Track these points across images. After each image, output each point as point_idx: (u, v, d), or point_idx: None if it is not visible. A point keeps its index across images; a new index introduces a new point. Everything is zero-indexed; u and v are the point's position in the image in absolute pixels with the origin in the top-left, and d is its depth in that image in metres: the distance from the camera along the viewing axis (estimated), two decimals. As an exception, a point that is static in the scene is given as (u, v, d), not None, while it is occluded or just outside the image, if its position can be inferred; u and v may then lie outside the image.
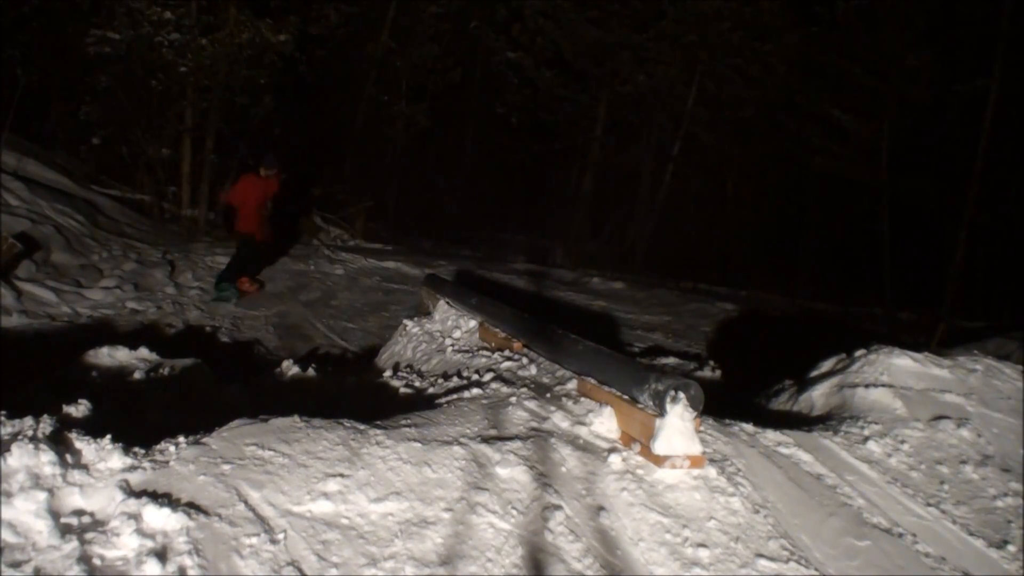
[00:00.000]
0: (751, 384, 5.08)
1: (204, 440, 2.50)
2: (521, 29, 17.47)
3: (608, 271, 14.22)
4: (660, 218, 17.60)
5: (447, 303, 5.59)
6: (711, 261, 17.23)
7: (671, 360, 6.53)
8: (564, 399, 3.27)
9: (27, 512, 1.97)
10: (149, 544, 1.95)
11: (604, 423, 3.03)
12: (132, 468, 2.28)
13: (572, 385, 3.45)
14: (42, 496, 2.03)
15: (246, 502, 2.21)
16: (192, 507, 2.12)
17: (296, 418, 2.71)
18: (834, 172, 15.80)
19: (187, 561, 1.94)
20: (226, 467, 2.34)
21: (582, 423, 3.04)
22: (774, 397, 4.48)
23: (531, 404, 3.16)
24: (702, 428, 2.90)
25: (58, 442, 2.29)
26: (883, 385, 3.84)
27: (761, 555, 2.45)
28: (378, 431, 2.72)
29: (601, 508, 2.53)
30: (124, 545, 1.95)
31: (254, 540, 2.08)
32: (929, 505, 3.03)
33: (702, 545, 2.44)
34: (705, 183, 18.51)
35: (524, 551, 2.27)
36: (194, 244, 10.70)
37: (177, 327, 7.25)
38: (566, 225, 18.20)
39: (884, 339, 4.33)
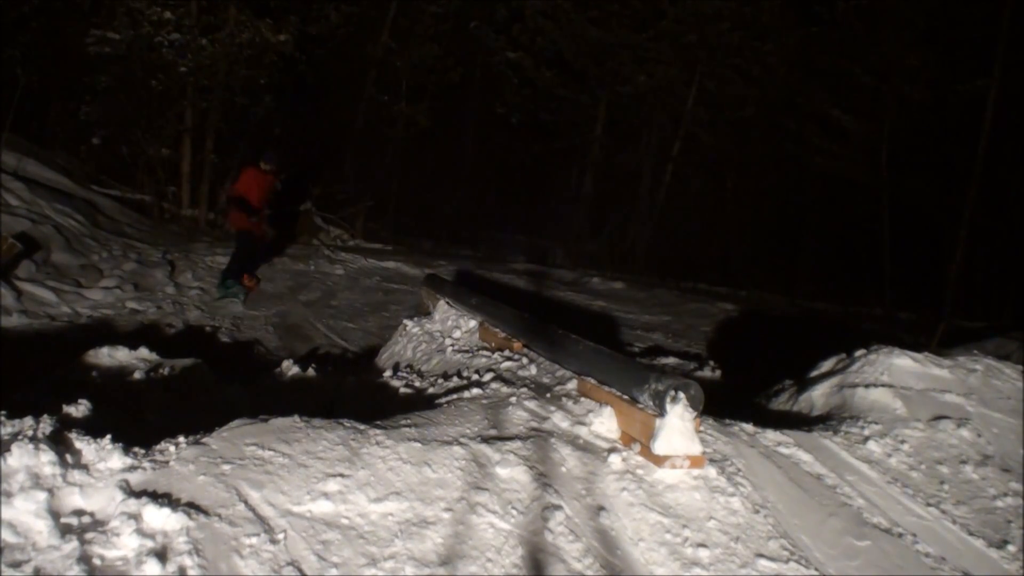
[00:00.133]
0: (751, 384, 5.08)
1: (204, 440, 2.50)
2: (521, 29, 17.48)
3: (608, 271, 14.22)
4: (660, 218, 17.60)
5: (447, 303, 5.59)
6: (711, 261, 17.25)
7: (671, 360, 6.53)
8: (564, 399, 3.27)
9: (27, 512, 1.97)
10: (149, 544, 1.95)
11: (604, 423, 3.03)
12: (132, 468, 2.28)
13: (572, 385, 3.45)
14: (42, 496, 2.03)
15: (246, 502, 2.21)
16: (192, 507, 2.12)
17: (296, 418, 2.71)
18: (834, 172, 15.80)
19: (187, 561, 1.94)
20: (226, 467, 2.34)
21: (582, 423, 3.04)
22: (774, 397, 4.48)
23: (531, 404, 3.16)
24: (702, 428, 2.90)
25: (58, 442, 2.29)
26: (883, 385, 3.84)
27: (761, 555, 2.45)
28: (378, 431, 2.72)
29: (601, 508, 2.53)
30: (124, 545, 1.95)
31: (254, 540, 2.08)
32: (929, 505, 3.03)
33: (702, 545, 2.44)
34: (705, 183, 18.50)
35: (524, 551, 2.27)
36: (194, 244, 10.70)
37: (177, 327, 7.25)
38: (566, 225, 18.20)
39: (884, 339, 4.33)
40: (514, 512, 2.42)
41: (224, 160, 13.41)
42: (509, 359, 4.06)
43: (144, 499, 2.08)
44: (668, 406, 2.73)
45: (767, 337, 8.69)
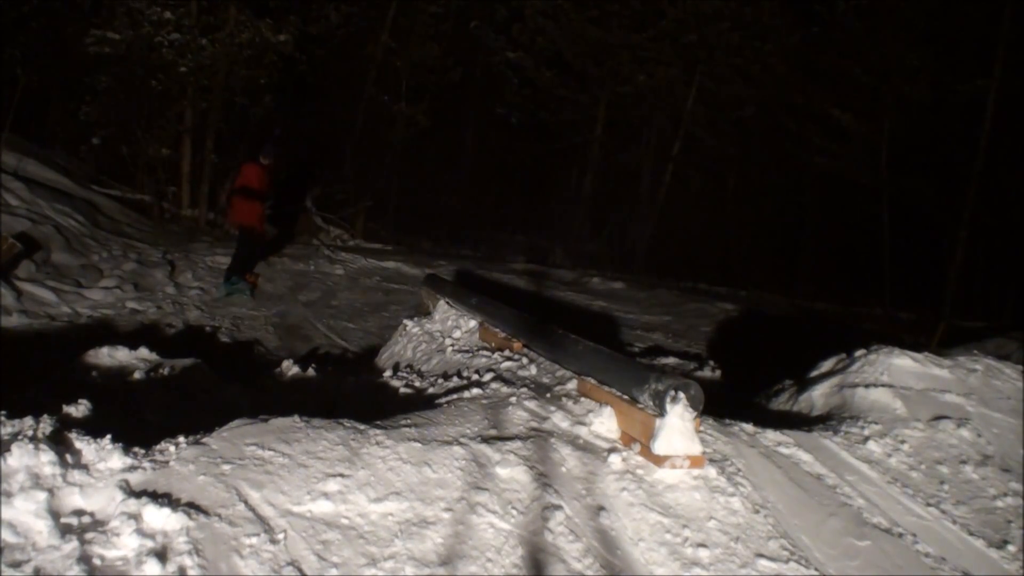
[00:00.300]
0: (751, 384, 5.08)
1: (204, 440, 2.50)
2: (521, 29, 17.48)
3: (608, 271, 14.22)
4: (660, 218, 17.60)
5: (447, 303, 5.59)
6: (711, 261, 17.25)
7: (671, 360, 6.53)
8: (564, 399, 3.27)
9: (27, 512, 1.97)
10: (149, 544, 1.95)
11: (604, 423, 3.03)
12: (132, 468, 2.28)
13: (572, 385, 3.45)
14: (42, 496, 2.03)
15: (246, 502, 2.21)
16: (192, 507, 2.12)
17: (296, 418, 2.71)
18: (834, 172, 15.80)
19: (187, 561, 1.94)
20: (226, 467, 2.34)
21: (582, 423, 3.04)
22: (774, 397, 4.48)
23: (531, 404, 3.16)
24: (702, 428, 2.90)
25: (58, 442, 2.29)
26: (883, 385, 3.84)
27: (761, 555, 2.45)
28: (378, 431, 2.72)
29: (601, 508, 2.53)
30: (124, 545, 1.95)
31: (254, 540, 2.08)
32: (929, 505, 3.03)
33: (702, 545, 2.44)
34: (705, 183, 18.50)
35: (524, 551, 2.27)
36: (194, 244, 10.70)
37: (177, 327, 7.25)
38: (566, 225, 18.20)
39: (884, 339, 4.33)
40: (514, 512, 2.42)
41: (224, 160, 13.40)
42: (509, 359, 4.06)
43: (144, 499, 2.08)
44: (668, 406, 2.73)
45: (767, 337, 8.69)
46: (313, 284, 9.76)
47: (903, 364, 3.99)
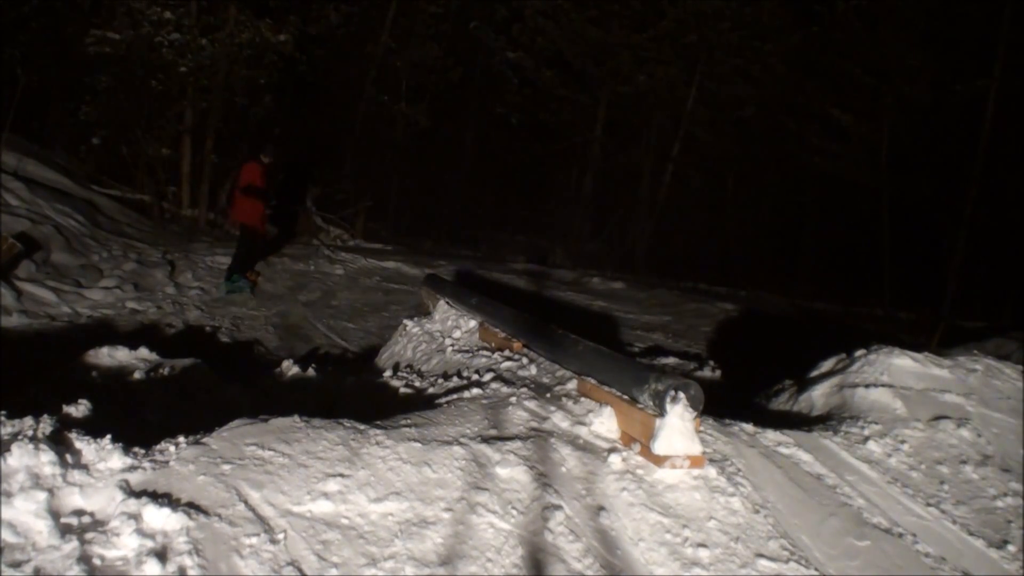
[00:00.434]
0: (751, 384, 5.08)
1: (204, 440, 2.50)
2: (521, 29, 17.48)
3: (608, 271, 14.22)
4: (660, 218, 17.60)
5: (447, 303, 5.59)
6: (711, 261, 17.25)
7: (671, 360, 6.53)
8: (564, 399, 3.27)
9: (27, 512, 1.97)
10: (149, 544, 1.95)
11: (604, 423, 3.03)
12: (132, 468, 2.28)
13: (572, 385, 3.45)
14: (42, 496, 2.03)
15: (246, 502, 2.21)
16: (192, 507, 2.12)
17: (296, 418, 2.71)
18: (834, 172, 15.80)
19: (187, 561, 1.94)
20: (226, 467, 2.34)
21: (582, 423, 3.04)
22: (774, 397, 4.48)
23: (531, 404, 3.16)
24: (702, 428, 2.90)
25: (58, 442, 2.29)
26: (883, 385, 3.83)
27: (761, 555, 2.45)
28: (378, 431, 2.72)
29: (601, 508, 2.53)
30: (124, 545, 1.95)
31: (254, 540, 2.08)
32: (929, 505, 3.03)
33: (702, 545, 2.44)
34: (705, 183, 18.51)
35: (524, 551, 2.27)
36: (194, 244, 10.71)
37: (177, 327, 7.25)
38: (566, 225, 18.20)
39: (884, 339, 4.33)
40: (514, 512, 2.42)
41: (224, 160, 13.40)
42: (509, 359, 4.06)
43: (144, 499, 2.08)
44: (668, 406, 2.73)
45: (767, 337, 8.68)
46: (313, 284, 9.76)
47: (903, 364, 3.99)
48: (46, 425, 2.43)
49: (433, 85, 17.38)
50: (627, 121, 18.32)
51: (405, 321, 5.65)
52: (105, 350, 4.57)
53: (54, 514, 2.00)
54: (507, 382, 3.57)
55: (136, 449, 2.41)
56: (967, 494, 3.17)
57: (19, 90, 11.59)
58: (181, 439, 2.51)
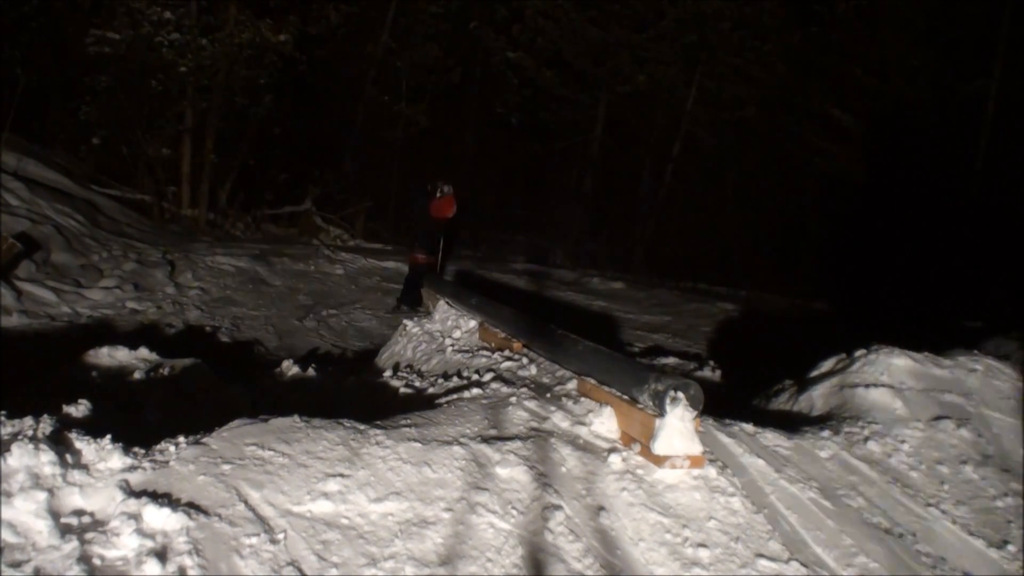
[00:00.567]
0: (751, 384, 5.08)
1: (204, 440, 2.50)
2: (521, 29, 17.47)
3: (608, 271, 14.22)
4: (660, 218, 17.59)
5: (447, 303, 5.59)
6: (711, 261, 17.23)
7: (671, 360, 6.53)
8: (564, 399, 3.27)
9: (27, 512, 1.97)
10: (149, 544, 1.95)
11: (604, 423, 3.03)
12: (132, 468, 2.28)
13: (572, 385, 3.45)
14: (42, 496, 2.03)
15: (246, 502, 2.21)
16: (192, 507, 2.12)
17: (296, 418, 2.71)
18: (834, 172, 15.80)
19: (187, 561, 1.94)
20: (226, 467, 2.34)
21: (582, 423, 3.04)
22: (774, 397, 4.48)
23: (531, 404, 3.16)
24: (702, 428, 2.90)
25: (58, 442, 2.29)
26: (883, 385, 3.83)
27: (761, 555, 2.45)
28: (378, 431, 2.72)
29: (601, 508, 2.53)
30: (124, 545, 1.95)
31: (254, 540, 2.08)
32: (929, 505, 3.03)
33: (702, 545, 2.44)
34: (705, 183, 18.49)
35: (524, 551, 2.27)
36: (194, 244, 10.70)
37: (177, 327, 7.25)
38: (566, 225, 18.19)
39: (884, 339, 4.32)
40: (514, 512, 2.42)
41: (224, 160, 13.40)
42: (509, 359, 4.06)
43: (144, 499, 2.08)
44: (668, 406, 2.73)
45: (767, 337, 8.68)
46: (313, 284, 9.76)
47: (903, 364, 3.98)
48: (46, 425, 2.43)
49: (433, 85, 17.38)
50: (627, 121, 18.31)
51: (405, 321, 5.65)
52: (105, 350, 4.57)
53: (54, 514, 2.00)
54: (507, 382, 3.57)
55: (136, 449, 2.41)
56: (967, 494, 3.17)
57: (19, 90, 11.59)
58: (181, 439, 2.51)
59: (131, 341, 4.87)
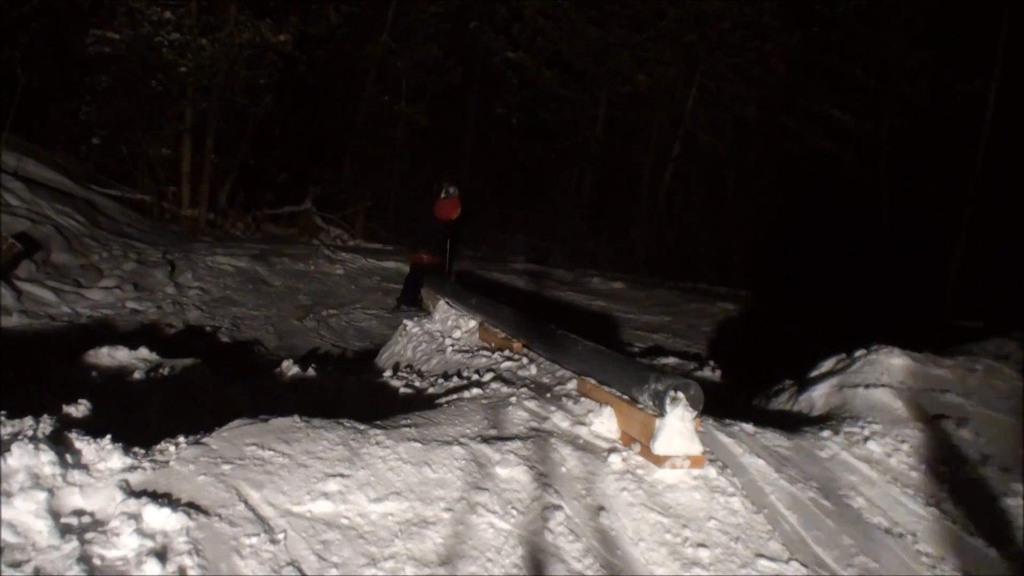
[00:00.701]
0: (751, 384, 5.08)
1: (204, 440, 2.50)
2: (521, 29, 17.47)
3: (608, 271, 14.22)
4: (660, 218, 17.59)
5: (447, 303, 5.59)
6: (711, 261, 17.22)
7: (671, 360, 6.53)
8: (564, 399, 3.27)
9: (27, 512, 1.97)
10: (149, 544, 1.95)
11: (604, 423, 3.03)
12: (132, 468, 2.28)
13: (572, 385, 3.45)
14: (42, 496, 2.03)
15: (246, 502, 2.21)
16: (192, 507, 2.12)
17: (296, 418, 2.72)
18: (834, 172, 15.80)
19: (187, 561, 1.94)
20: (226, 467, 2.34)
21: (582, 423, 3.04)
22: (774, 397, 4.48)
23: (531, 404, 3.16)
24: (702, 428, 2.90)
25: (58, 442, 2.29)
26: (883, 385, 3.84)
27: (761, 555, 2.45)
28: (378, 431, 2.72)
29: (601, 508, 2.53)
30: (124, 545, 1.95)
31: (254, 540, 2.08)
32: (929, 505, 3.03)
33: (702, 545, 2.44)
34: (705, 183, 18.49)
35: (524, 551, 2.27)
36: (194, 244, 10.70)
37: (177, 327, 7.25)
38: (566, 225, 18.19)
39: (884, 339, 4.32)
40: (514, 512, 2.42)
41: (224, 160, 13.40)
42: (509, 359, 4.06)
43: (144, 499, 2.08)
44: (668, 406, 2.73)
45: (767, 337, 8.68)
46: (313, 284, 9.76)
47: (903, 364, 3.99)
48: (46, 425, 2.43)
49: (433, 85, 17.38)
50: (627, 121, 18.32)
51: (405, 321, 5.66)
52: (105, 350, 4.57)
53: (54, 514, 2.00)
54: (507, 382, 3.58)
55: (136, 449, 2.41)
56: (967, 494, 3.17)
57: (19, 90, 11.59)
58: (181, 439, 2.51)
59: (131, 341, 4.87)
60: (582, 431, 2.99)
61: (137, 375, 4.28)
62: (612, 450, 2.85)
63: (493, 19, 18.41)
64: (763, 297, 13.04)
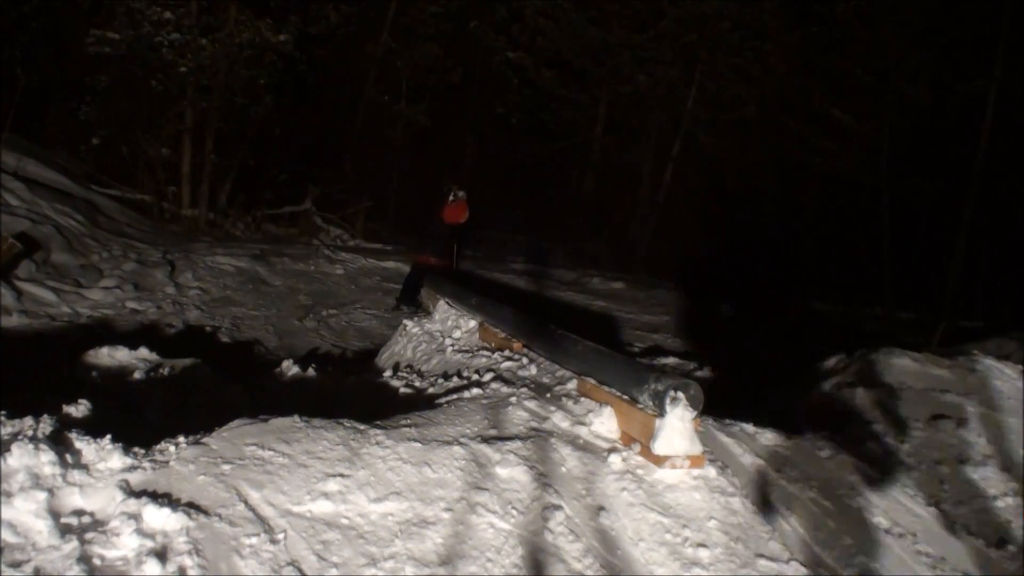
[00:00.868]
0: (750, 384, 5.08)
1: (204, 440, 2.50)
2: (521, 29, 17.47)
3: (608, 271, 14.21)
4: (660, 218, 17.59)
5: (447, 303, 5.59)
6: (711, 261, 17.21)
7: (671, 360, 6.53)
8: (564, 399, 3.27)
9: (27, 512, 1.97)
10: (149, 544, 1.95)
11: (604, 423, 3.03)
12: (132, 468, 2.28)
13: (572, 385, 3.45)
14: (42, 496, 2.03)
15: (246, 502, 2.21)
16: (192, 507, 2.12)
17: (296, 418, 2.71)
18: (834, 172, 15.79)
19: (187, 561, 1.94)
20: (226, 467, 2.34)
21: (582, 423, 3.04)
22: (774, 397, 4.48)
23: (531, 404, 3.16)
24: (702, 428, 2.90)
25: (58, 442, 2.29)
26: (883, 385, 3.83)
27: (761, 555, 2.45)
28: (378, 431, 2.72)
29: (601, 508, 2.53)
30: (124, 545, 1.95)
31: (254, 540, 2.08)
32: (929, 505, 3.03)
33: (702, 545, 2.44)
34: (705, 183, 18.49)
35: (524, 551, 2.27)
36: (194, 244, 10.70)
37: (177, 327, 7.25)
38: (566, 225, 18.19)
39: (884, 339, 4.32)
40: (514, 512, 2.42)
41: (224, 160, 13.40)
42: (509, 359, 4.06)
43: (144, 499, 2.08)
44: (668, 406, 2.73)
45: (767, 337, 8.68)
46: (313, 284, 9.76)
47: (903, 364, 3.98)
48: (46, 425, 2.43)
49: (433, 85, 17.37)
50: (627, 121, 18.31)
51: (405, 321, 5.66)
52: (105, 350, 4.57)
53: (54, 514, 2.00)
54: (507, 382, 3.58)
55: (136, 449, 2.41)
56: (967, 494, 3.17)
57: (19, 90, 11.59)
58: (181, 439, 2.51)
59: (131, 341, 4.87)
60: (582, 431, 2.99)
61: (137, 375, 4.28)
62: (612, 450, 2.85)
63: (493, 19, 18.41)
64: (762, 297, 13.03)
